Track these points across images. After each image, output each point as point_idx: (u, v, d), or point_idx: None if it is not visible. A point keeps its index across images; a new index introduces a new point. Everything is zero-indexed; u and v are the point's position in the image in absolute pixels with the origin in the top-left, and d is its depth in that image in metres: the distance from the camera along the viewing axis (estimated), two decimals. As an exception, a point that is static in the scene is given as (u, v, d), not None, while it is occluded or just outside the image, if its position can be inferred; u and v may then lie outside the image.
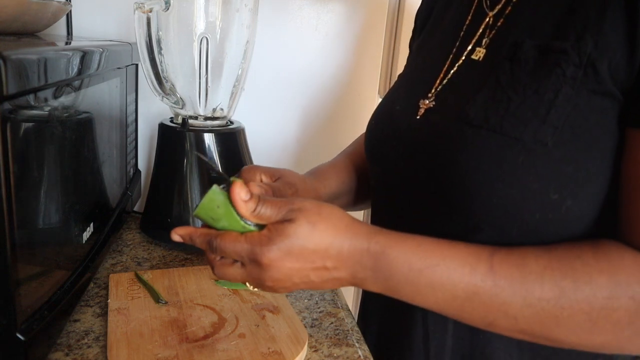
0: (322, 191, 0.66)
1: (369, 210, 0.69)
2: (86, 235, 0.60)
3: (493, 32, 0.51)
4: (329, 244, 0.44)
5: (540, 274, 0.42)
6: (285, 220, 0.44)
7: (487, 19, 0.53)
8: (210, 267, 0.47)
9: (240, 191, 0.44)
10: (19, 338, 0.42)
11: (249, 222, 0.45)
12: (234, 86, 0.84)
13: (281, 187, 0.56)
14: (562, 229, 0.45)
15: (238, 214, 0.44)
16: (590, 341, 0.43)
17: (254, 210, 0.44)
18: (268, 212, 0.44)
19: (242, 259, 0.44)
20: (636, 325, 0.41)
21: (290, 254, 0.43)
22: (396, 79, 0.69)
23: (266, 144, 1.04)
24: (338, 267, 0.45)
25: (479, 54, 0.52)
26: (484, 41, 0.52)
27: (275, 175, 0.59)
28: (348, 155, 0.75)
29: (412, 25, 0.75)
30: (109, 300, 0.61)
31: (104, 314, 0.60)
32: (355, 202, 0.74)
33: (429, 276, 0.43)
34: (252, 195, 0.44)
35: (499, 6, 0.52)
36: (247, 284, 0.47)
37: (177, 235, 0.46)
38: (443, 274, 0.43)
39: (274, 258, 0.43)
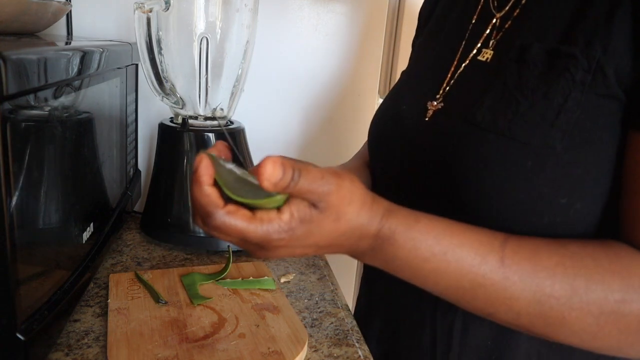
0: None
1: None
2: (86, 235, 0.60)
3: (500, 33, 0.51)
4: (344, 231, 0.40)
5: (552, 270, 0.41)
6: (313, 207, 0.38)
7: (494, 20, 0.53)
8: (199, 215, 0.39)
9: (272, 174, 0.36)
10: (19, 338, 0.42)
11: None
12: (234, 86, 0.84)
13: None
14: (569, 231, 0.45)
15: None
16: (591, 344, 0.42)
17: (288, 184, 0.36)
18: (305, 188, 0.37)
19: (246, 242, 0.39)
20: None
21: (303, 240, 0.39)
22: (398, 76, 0.69)
23: (266, 144, 1.04)
24: (341, 247, 0.42)
25: (486, 55, 0.51)
26: (491, 42, 0.52)
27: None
28: (361, 156, 0.75)
29: (412, 25, 0.75)
30: (109, 300, 0.61)
31: (104, 314, 0.60)
32: None
33: (435, 264, 0.41)
34: (284, 172, 0.36)
35: (507, 8, 0.52)
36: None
37: (202, 162, 0.38)
38: (451, 263, 0.41)
39: (286, 243, 0.39)
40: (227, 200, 0.38)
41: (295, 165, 0.37)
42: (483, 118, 0.47)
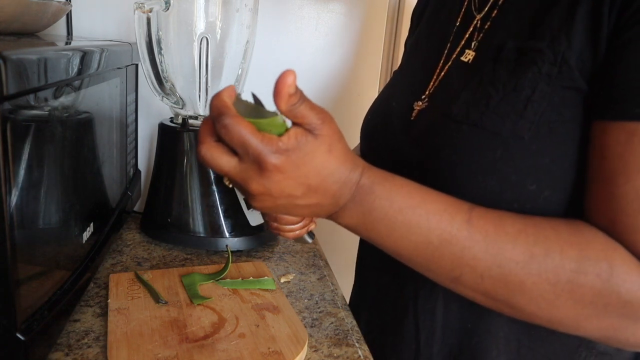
0: None
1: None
2: (86, 235, 0.60)
3: (481, 35, 0.53)
4: (334, 170, 0.42)
5: (514, 235, 0.43)
6: (310, 133, 0.40)
7: (475, 22, 0.55)
8: (199, 142, 0.41)
9: (291, 85, 0.39)
10: (19, 338, 0.42)
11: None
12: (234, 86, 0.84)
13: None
14: None
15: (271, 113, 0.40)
16: (549, 314, 0.43)
17: (294, 104, 0.39)
18: (304, 112, 0.40)
19: (245, 154, 0.39)
20: (597, 305, 0.41)
21: (297, 169, 0.40)
22: (392, 75, 0.70)
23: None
24: (327, 192, 0.42)
25: (469, 56, 0.53)
26: (472, 44, 0.54)
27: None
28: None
29: (411, 25, 0.75)
30: (109, 300, 0.61)
31: (104, 314, 0.60)
32: None
33: (407, 216, 0.44)
34: (296, 90, 0.39)
35: (486, 9, 0.54)
36: (226, 180, 0.43)
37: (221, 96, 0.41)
38: (422, 216, 0.43)
39: (280, 167, 0.39)
40: None
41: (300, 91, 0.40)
42: (458, 111, 0.50)
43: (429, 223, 0.43)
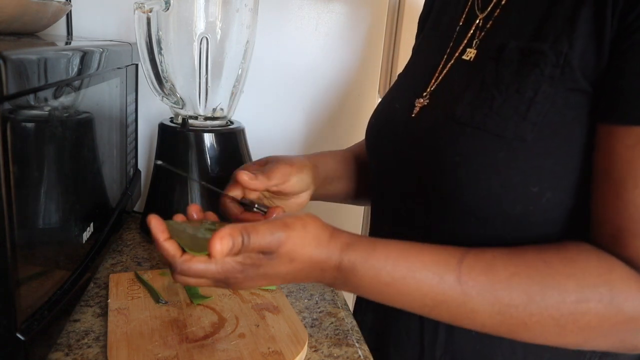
0: (320, 168, 0.66)
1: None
2: (86, 235, 0.60)
3: (483, 34, 0.53)
4: (304, 267, 0.44)
5: (507, 281, 0.43)
6: (264, 255, 0.42)
7: (478, 21, 0.55)
8: (170, 270, 0.44)
9: (223, 247, 0.40)
10: (19, 338, 0.42)
11: None
12: (234, 86, 0.84)
13: (273, 167, 0.57)
14: (543, 220, 0.47)
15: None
16: (557, 342, 0.44)
17: (240, 250, 0.41)
18: (255, 247, 0.42)
19: (212, 280, 0.43)
20: (604, 327, 0.42)
21: (264, 278, 0.44)
22: (396, 78, 0.70)
23: (266, 144, 1.04)
24: (307, 278, 0.46)
25: (470, 54, 0.54)
26: (474, 42, 0.54)
27: (262, 162, 0.60)
28: (352, 148, 0.78)
29: (412, 25, 0.76)
30: (109, 300, 0.61)
31: (104, 314, 0.60)
32: (356, 194, 0.74)
33: (396, 288, 0.44)
34: (233, 241, 0.41)
35: (489, 9, 0.54)
36: None
37: (150, 222, 0.44)
38: (411, 286, 0.44)
39: (245, 278, 0.43)
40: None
41: (243, 229, 0.41)
42: (462, 113, 0.49)
43: (420, 290, 0.44)
